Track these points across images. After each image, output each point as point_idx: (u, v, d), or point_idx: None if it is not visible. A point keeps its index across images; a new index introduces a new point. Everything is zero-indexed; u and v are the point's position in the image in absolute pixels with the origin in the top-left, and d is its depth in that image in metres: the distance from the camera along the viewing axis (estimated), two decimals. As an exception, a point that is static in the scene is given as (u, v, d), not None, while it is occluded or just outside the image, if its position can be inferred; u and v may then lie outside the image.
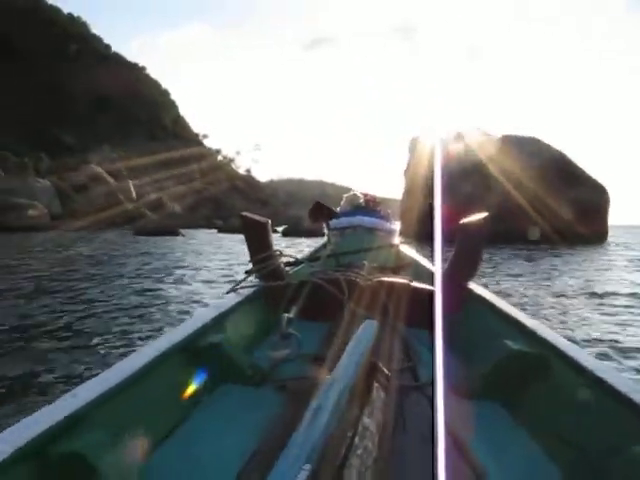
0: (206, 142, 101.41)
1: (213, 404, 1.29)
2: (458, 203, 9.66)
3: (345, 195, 4.09)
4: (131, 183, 46.62)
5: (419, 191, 21.37)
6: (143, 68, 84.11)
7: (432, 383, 0.94)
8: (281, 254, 2.26)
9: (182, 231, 25.75)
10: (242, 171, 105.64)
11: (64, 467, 0.84)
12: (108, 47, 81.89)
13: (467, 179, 21.47)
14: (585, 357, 1.22)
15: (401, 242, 3.51)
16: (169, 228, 23.12)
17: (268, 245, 2.16)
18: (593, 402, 1.09)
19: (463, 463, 1.03)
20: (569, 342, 1.34)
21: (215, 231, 31.67)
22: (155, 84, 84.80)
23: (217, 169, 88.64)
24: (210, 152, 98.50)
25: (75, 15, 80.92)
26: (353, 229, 3.46)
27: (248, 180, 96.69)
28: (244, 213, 2.16)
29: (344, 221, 3.54)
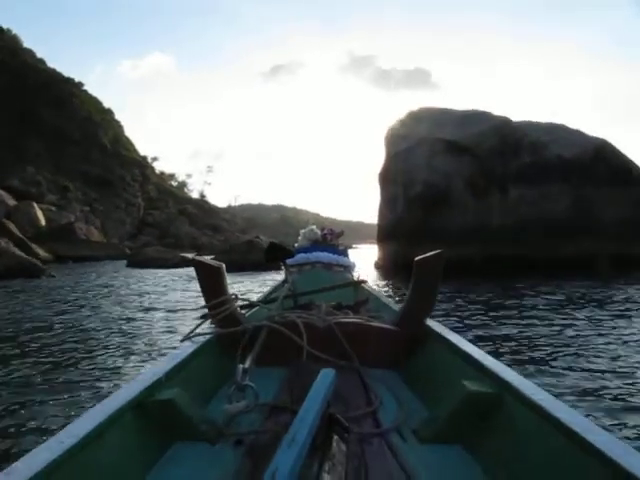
0: (157, 165, 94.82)
1: (167, 465, 1.25)
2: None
3: (302, 230, 4.12)
4: (37, 206, 38.99)
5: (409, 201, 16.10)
6: (80, 84, 76.82)
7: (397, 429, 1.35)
8: (236, 297, 2.20)
9: (75, 263, 19.69)
10: (195, 195, 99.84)
11: None
12: (41, 61, 74.53)
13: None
14: (542, 395, 1.22)
15: (361, 280, 3.28)
16: (28, 266, 15.73)
17: (223, 290, 2.09)
18: (550, 444, 1.09)
19: None
20: (527, 380, 1.34)
21: (124, 262, 24.70)
22: (94, 102, 77.45)
23: (164, 193, 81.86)
24: (158, 175, 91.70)
25: (5, 28, 73.52)
26: (311, 266, 3.48)
27: (200, 205, 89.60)
28: (197, 258, 2.13)
29: (301, 258, 3.54)
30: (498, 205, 15.29)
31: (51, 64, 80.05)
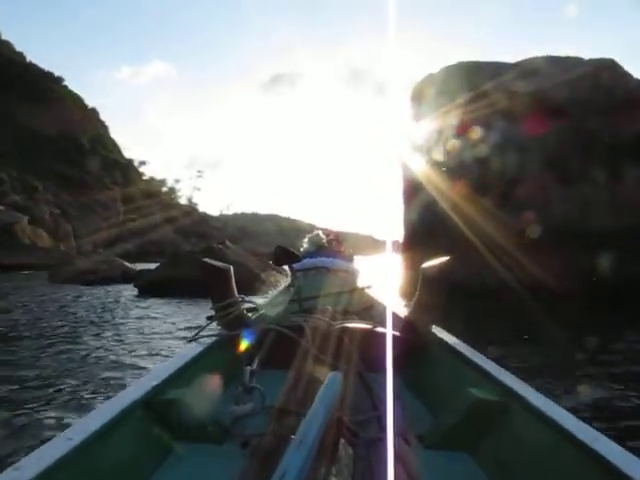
0: (147, 171, 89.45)
1: (174, 464, 1.27)
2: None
3: (308, 235, 4.09)
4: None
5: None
6: (59, 79, 71.40)
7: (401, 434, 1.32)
8: (243, 300, 2.22)
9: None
10: (184, 201, 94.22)
11: None
12: (19, 54, 69.16)
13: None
14: (548, 404, 1.24)
15: (366, 286, 3.31)
16: None
17: (230, 292, 2.11)
18: (554, 452, 1.11)
19: None
20: (531, 388, 1.36)
21: None
22: (74, 98, 72.00)
23: (150, 199, 76.22)
24: (145, 180, 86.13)
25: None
26: (316, 271, 3.45)
27: (188, 211, 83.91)
28: (204, 260, 2.11)
29: (307, 263, 3.49)
30: (601, 195, 9.61)
31: (54, 71, 74.79)
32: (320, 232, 4.06)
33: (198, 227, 76.60)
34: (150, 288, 11.87)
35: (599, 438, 1.04)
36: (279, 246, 2.96)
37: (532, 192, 9.90)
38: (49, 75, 69.28)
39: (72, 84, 77.71)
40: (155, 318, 7.85)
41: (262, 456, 1.13)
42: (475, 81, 11.37)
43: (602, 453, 0.97)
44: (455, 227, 9.98)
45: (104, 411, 1.16)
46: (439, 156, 11.54)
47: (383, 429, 1.36)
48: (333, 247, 3.92)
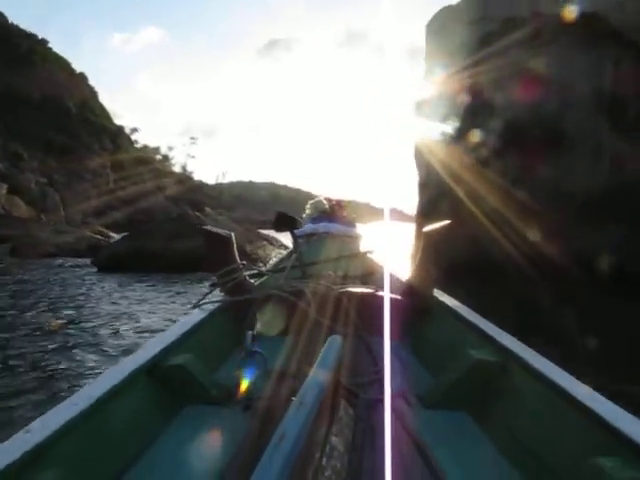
0: (141, 139, 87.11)
1: (179, 426, 1.30)
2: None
3: (310, 201, 4.08)
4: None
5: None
6: (44, 41, 68.31)
7: (403, 395, 1.39)
8: (245, 266, 2.22)
9: None
10: (178, 169, 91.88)
11: None
12: (1, 15, 65.91)
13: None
14: (546, 365, 1.26)
15: (369, 251, 3.27)
16: None
17: (232, 258, 2.12)
18: (553, 411, 1.12)
19: (430, 475, 1.06)
20: (530, 349, 1.37)
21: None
22: (60, 62, 69.08)
23: (142, 166, 74.12)
24: (137, 148, 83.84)
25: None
26: (318, 236, 3.46)
27: (182, 179, 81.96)
28: (206, 227, 2.14)
29: (309, 228, 3.53)
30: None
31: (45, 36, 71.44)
32: (322, 198, 4.02)
33: (191, 195, 74.90)
34: (111, 265, 10.34)
35: (597, 398, 1.06)
36: (280, 212, 2.85)
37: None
38: (32, 37, 66.17)
39: (64, 51, 74.82)
40: (115, 302, 6.61)
41: (264, 418, 1.17)
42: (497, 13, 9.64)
43: (599, 412, 0.99)
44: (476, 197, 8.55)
45: (109, 377, 1.19)
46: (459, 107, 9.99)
47: (383, 390, 1.37)
48: (336, 212, 3.89)
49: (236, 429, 1.20)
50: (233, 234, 2.14)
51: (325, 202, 3.97)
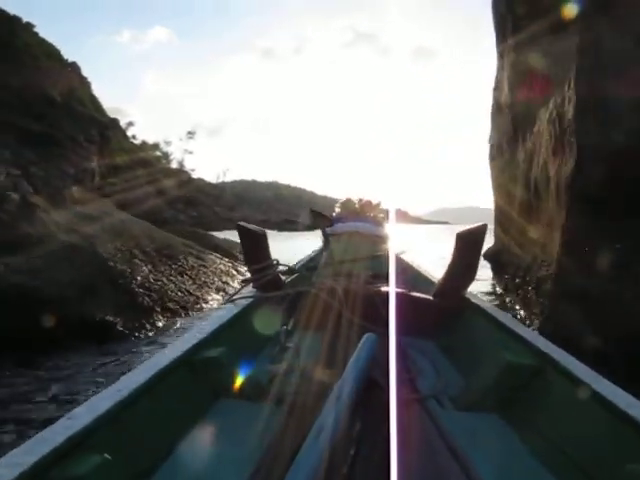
0: (138, 134, 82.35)
1: (212, 420, 1.33)
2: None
3: (340, 201, 4.24)
4: None
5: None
6: (29, 25, 63.51)
7: (435, 396, 1.40)
8: (278, 263, 2.25)
9: None
10: (175, 166, 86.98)
11: None
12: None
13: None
14: (582, 369, 1.24)
15: (400, 251, 3.33)
16: None
17: (265, 255, 2.16)
18: (590, 417, 1.10)
19: (465, 478, 1.04)
20: (565, 353, 1.36)
21: None
22: (46, 47, 64.26)
23: (135, 161, 69.14)
24: (131, 142, 79.12)
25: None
26: (348, 235, 3.48)
27: (178, 175, 77.00)
28: (241, 223, 2.15)
29: (339, 227, 3.58)
30: None
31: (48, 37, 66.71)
32: (352, 197, 4.11)
33: (188, 192, 69.79)
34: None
35: (635, 404, 1.02)
36: (312, 209, 3.17)
37: None
38: (15, 20, 61.41)
39: (69, 50, 70.16)
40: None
41: (298, 414, 1.17)
42: None
43: (638, 418, 0.96)
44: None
45: (149, 368, 1.22)
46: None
47: (416, 391, 1.44)
48: (365, 212, 3.96)
49: (269, 424, 1.20)
50: (265, 231, 2.19)
51: (355, 201, 4.10)
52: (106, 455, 0.91)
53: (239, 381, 1.40)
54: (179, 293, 6.35)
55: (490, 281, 9.32)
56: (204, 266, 8.00)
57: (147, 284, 6.00)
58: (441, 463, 1.10)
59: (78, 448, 0.89)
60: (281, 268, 2.30)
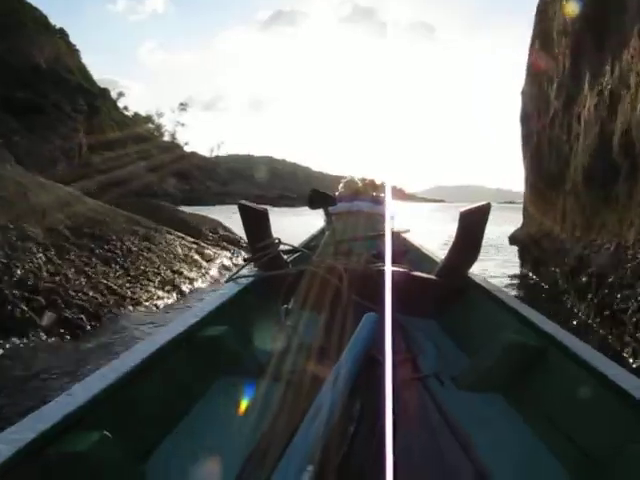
0: (131, 105, 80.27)
1: (213, 397, 1.33)
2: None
3: (343, 180, 4.09)
4: None
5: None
6: (13, -12, 60.76)
7: (436, 375, 1.35)
8: (280, 242, 2.24)
9: None
10: (167, 138, 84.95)
11: (65, 468, 0.84)
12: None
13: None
14: (585, 349, 1.22)
15: (402, 230, 3.48)
16: None
17: (267, 234, 2.15)
18: (593, 396, 1.08)
19: (465, 457, 1.05)
20: (568, 333, 1.33)
21: None
22: (30, 12, 61.73)
23: (126, 133, 67.36)
24: (122, 113, 77.18)
25: None
26: (351, 215, 3.44)
27: (170, 148, 75.23)
28: (242, 202, 2.11)
29: (342, 207, 3.45)
30: None
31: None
32: (355, 176, 4.03)
33: (180, 166, 68.25)
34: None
35: (639, 384, 1.02)
36: (314, 189, 2.79)
37: None
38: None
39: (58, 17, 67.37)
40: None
41: (297, 392, 1.17)
42: None
43: None
44: None
45: (149, 345, 1.22)
46: None
47: (417, 370, 1.44)
48: (368, 191, 3.91)
49: (269, 401, 1.21)
50: (267, 209, 2.17)
51: (358, 181, 3.98)
52: (105, 432, 0.90)
53: (239, 359, 1.42)
54: (91, 293, 4.43)
55: (518, 269, 7.76)
56: (149, 249, 6.16)
57: (33, 281, 4.09)
58: (441, 441, 1.13)
59: (77, 425, 0.90)
60: (282, 247, 2.30)
